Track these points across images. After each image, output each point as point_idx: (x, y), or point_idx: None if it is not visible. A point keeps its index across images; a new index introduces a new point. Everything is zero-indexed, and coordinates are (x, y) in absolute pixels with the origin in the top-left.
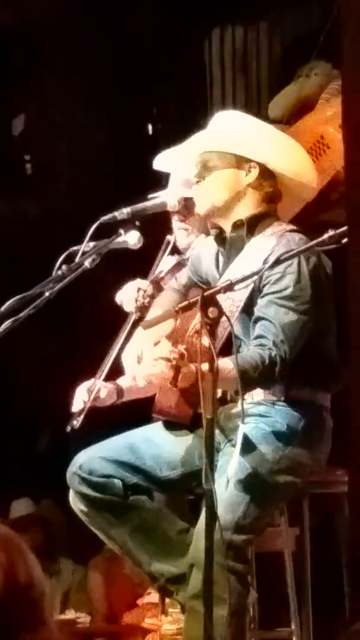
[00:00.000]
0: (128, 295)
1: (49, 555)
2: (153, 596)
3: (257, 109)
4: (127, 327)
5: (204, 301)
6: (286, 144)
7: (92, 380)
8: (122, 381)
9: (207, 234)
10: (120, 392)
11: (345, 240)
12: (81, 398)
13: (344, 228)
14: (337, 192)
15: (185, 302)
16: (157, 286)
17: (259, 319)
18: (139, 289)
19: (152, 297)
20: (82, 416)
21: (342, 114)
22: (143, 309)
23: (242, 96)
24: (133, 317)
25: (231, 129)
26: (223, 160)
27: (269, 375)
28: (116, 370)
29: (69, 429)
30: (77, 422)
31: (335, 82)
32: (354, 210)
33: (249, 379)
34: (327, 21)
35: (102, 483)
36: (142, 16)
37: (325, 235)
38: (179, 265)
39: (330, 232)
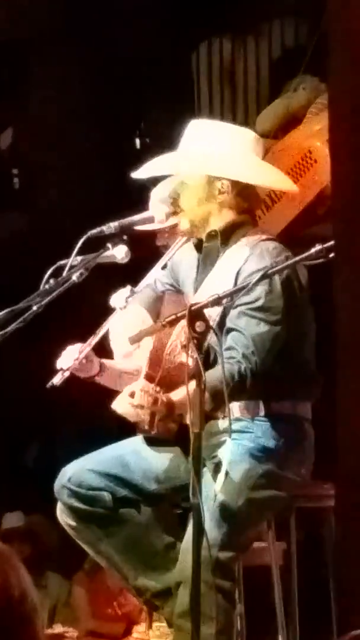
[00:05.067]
0: (118, 301)
1: (36, 569)
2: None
3: (245, 123)
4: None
5: (191, 315)
6: (253, 161)
7: (82, 344)
8: (105, 361)
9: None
10: (102, 367)
11: (332, 254)
12: (70, 357)
13: (331, 242)
14: (324, 206)
15: (172, 316)
16: None
17: (230, 330)
18: (127, 297)
19: None
20: (66, 374)
21: (329, 128)
22: None
23: (230, 110)
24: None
25: (200, 148)
26: (194, 178)
27: (240, 389)
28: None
29: (50, 385)
30: (58, 380)
31: (322, 97)
32: (341, 224)
33: (221, 394)
34: (315, 36)
35: (91, 496)
36: (129, 30)
37: (313, 250)
38: None
39: (318, 247)
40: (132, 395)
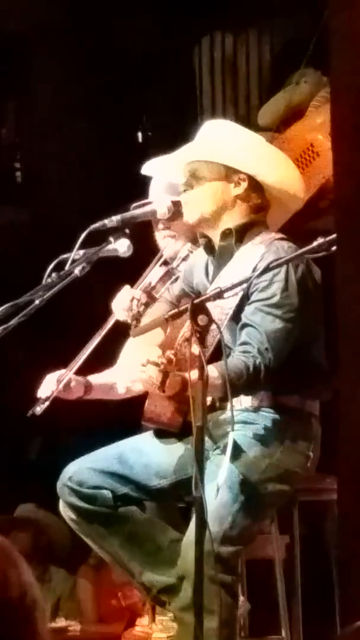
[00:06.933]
0: (120, 304)
1: (40, 563)
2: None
3: (247, 116)
4: (107, 326)
5: (194, 309)
6: (274, 156)
7: (63, 370)
8: (93, 378)
9: (195, 240)
10: (88, 387)
11: (334, 247)
12: (49, 387)
13: (334, 235)
14: (326, 199)
15: (175, 310)
16: (150, 295)
17: (245, 325)
18: (132, 298)
19: (147, 305)
20: (46, 404)
21: (331, 121)
22: (138, 318)
23: (232, 104)
24: (114, 319)
25: (222, 140)
26: (212, 170)
27: (253, 383)
28: (89, 367)
29: (30, 414)
30: (40, 409)
31: (325, 90)
32: (343, 217)
33: (233, 387)
34: (317, 29)
35: (92, 494)
36: (132, 24)
37: (315, 243)
38: (168, 274)
39: (320, 240)
40: (144, 364)
